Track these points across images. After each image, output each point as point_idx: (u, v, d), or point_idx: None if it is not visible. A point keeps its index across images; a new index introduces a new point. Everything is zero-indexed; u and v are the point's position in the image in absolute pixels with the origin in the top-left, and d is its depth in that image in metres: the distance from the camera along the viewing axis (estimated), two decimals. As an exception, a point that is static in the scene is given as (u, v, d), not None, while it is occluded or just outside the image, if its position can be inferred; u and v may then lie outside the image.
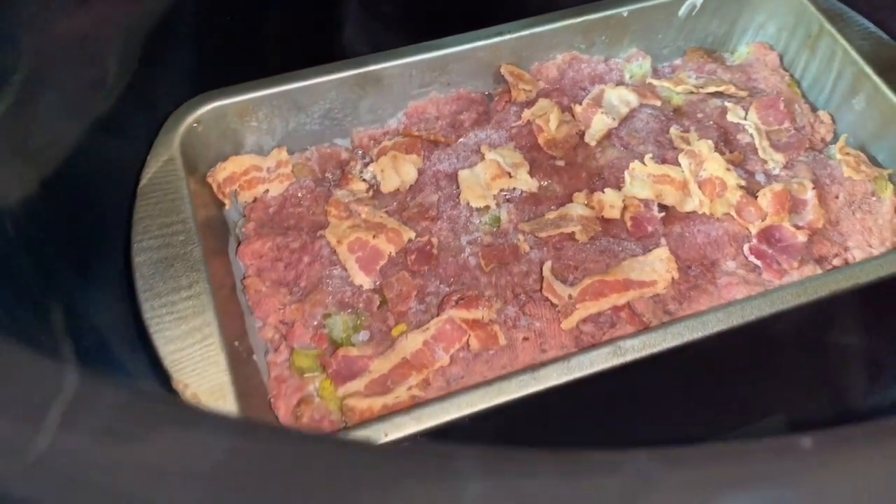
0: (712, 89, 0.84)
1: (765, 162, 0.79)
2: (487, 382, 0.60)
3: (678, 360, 0.63)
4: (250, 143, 0.79)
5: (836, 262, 0.74)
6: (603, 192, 0.75)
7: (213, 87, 0.76)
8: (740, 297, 0.67)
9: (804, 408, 0.69)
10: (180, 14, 0.76)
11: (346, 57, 0.80)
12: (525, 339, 0.67)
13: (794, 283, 0.67)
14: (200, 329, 0.61)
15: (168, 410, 0.26)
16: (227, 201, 0.76)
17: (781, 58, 0.90)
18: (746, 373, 0.69)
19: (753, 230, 0.73)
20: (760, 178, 0.78)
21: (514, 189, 0.77)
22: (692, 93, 0.85)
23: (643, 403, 0.67)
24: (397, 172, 0.78)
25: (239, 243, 0.75)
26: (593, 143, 0.80)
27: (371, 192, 0.78)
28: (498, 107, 0.84)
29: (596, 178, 0.78)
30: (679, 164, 0.76)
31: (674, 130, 0.80)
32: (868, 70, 0.80)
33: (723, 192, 0.74)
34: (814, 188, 0.75)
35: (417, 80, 0.82)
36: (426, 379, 0.65)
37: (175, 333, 0.60)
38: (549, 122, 0.80)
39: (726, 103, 0.83)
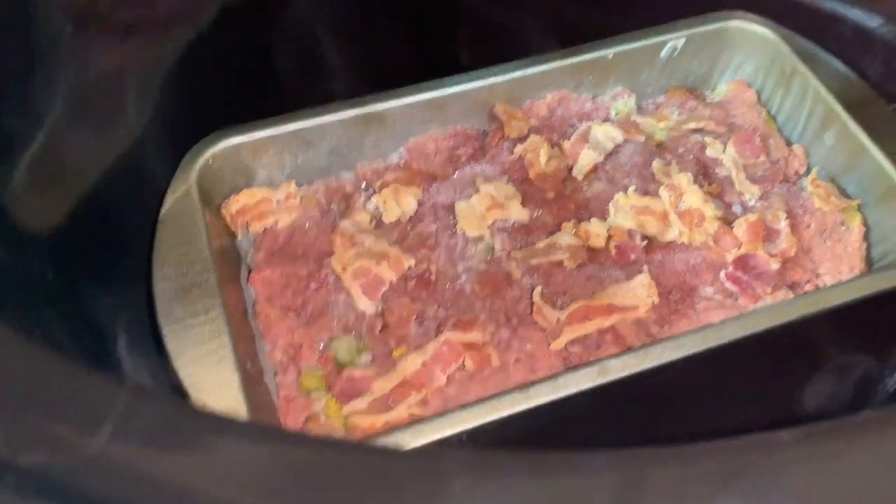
0: (693, 125, 0.90)
1: (741, 194, 0.84)
2: (481, 401, 0.64)
3: (658, 379, 0.67)
4: (261, 177, 0.85)
5: (808, 287, 0.79)
6: (589, 222, 0.80)
7: (228, 125, 0.82)
8: (717, 320, 0.72)
9: (775, 422, 0.73)
10: (196, 57, 0.82)
11: (352, 96, 0.86)
12: (517, 360, 0.72)
13: (766, 307, 0.72)
14: (216, 352, 0.66)
15: (212, 421, 0.31)
16: (239, 232, 0.82)
17: (759, 94, 0.96)
18: (722, 391, 0.74)
19: (730, 258, 0.78)
20: (737, 208, 0.83)
21: (507, 220, 0.82)
22: (674, 129, 0.90)
23: (627, 419, 0.72)
24: (398, 204, 0.83)
25: (250, 271, 0.80)
26: (580, 177, 0.85)
27: (374, 223, 0.83)
28: (492, 143, 0.89)
29: (583, 210, 0.83)
30: (660, 197, 0.81)
31: (656, 164, 0.85)
32: (837, 108, 0.86)
33: (701, 223, 0.79)
34: (787, 218, 0.80)
35: (417, 118, 0.88)
36: (425, 398, 0.69)
37: (192, 355, 0.65)
38: (540, 157, 0.85)
39: (706, 139, 0.89)
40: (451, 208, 0.83)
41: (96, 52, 0.73)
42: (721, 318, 0.72)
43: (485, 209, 0.81)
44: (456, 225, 0.81)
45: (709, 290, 0.77)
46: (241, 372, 0.65)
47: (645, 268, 0.77)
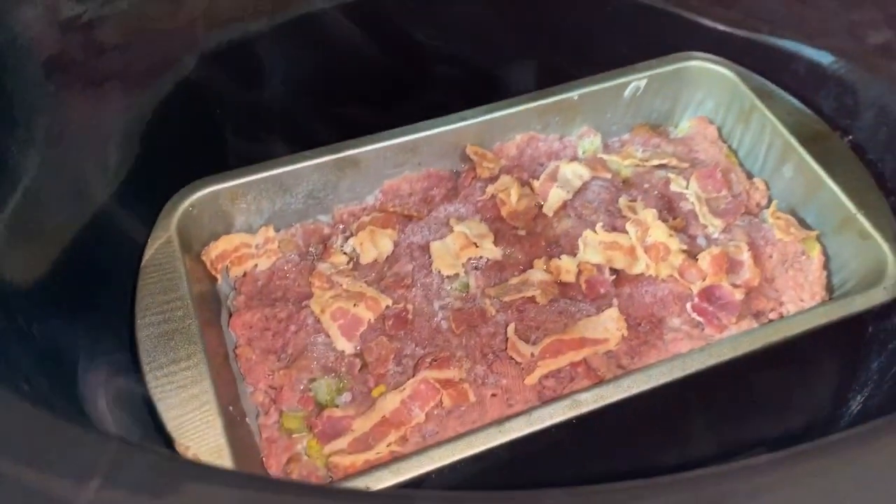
0: (657, 162, 0.93)
1: (705, 227, 0.87)
2: (459, 436, 0.66)
3: (630, 409, 0.70)
4: (240, 223, 0.87)
5: (772, 315, 0.82)
6: (560, 258, 0.83)
7: (207, 174, 0.84)
8: (685, 351, 0.75)
9: (746, 447, 0.76)
10: (174, 107, 0.85)
11: (327, 142, 0.88)
12: (493, 395, 0.74)
13: (730, 337, 0.75)
14: (198, 396, 0.67)
15: (193, 469, 0.33)
16: (219, 276, 0.84)
17: (720, 130, 1.00)
18: (693, 418, 0.76)
19: (695, 290, 0.81)
20: (701, 241, 0.86)
21: (481, 257, 0.84)
22: (639, 165, 0.94)
23: (601, 449, 0.74)
24: (375, 245, 0.86)
25: (230, 315, 0.81)
26: (550, 214, 0.88)
27: (351, 264, 0.86)
28: (465, 183, 0.92)
29: (553, 246, 0.86)
30: (627, 232, 0.84)
31: (622, 200, 0.88)
32: (794, 142, 0.89)
33: (667, 256, 0.82)
34: (749, 250, 0.84)
35: (392, 161, 0.90)
36: (404, 435, 0.71)
37: (176, 401, 0.67)
38: (511, 195, 0.88)
39: (669, 174, 0.92)
40: (426, 248, 0.85)
41: (74, 105, 0.75)
42: (689, 349, 0.75)
43: (459, 248, 0.84)
44: (431, 264, 0.83)
45: (676, 322, 0.79)
46: (223, 415, 0.67)
47: (614, 301, 0.80)
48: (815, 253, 0.85)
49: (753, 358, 0.73)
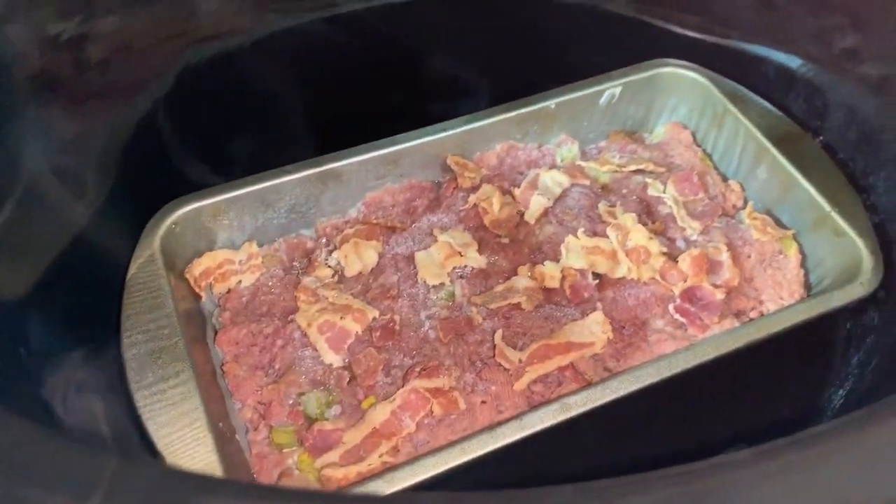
0: (634, 167, 0.95)
1: (683, 229, 0.89)
2: (450, 445, 0.66)
3: (618, 411, 0.70)
4: (223, 240, 0.87)
5: (752, 314, 0.83)
6: (543, 264, 0.84)
7: (189, 191, 0.84)
8: (669, 351, 0.76)
9: (732, 442, 0.77)
10: (157, 124, 0.85)
11: (309, 156, 0.89)
12: (483, 402, 0.74)
13: (713, 337, 0.76)
14: (188, 414, 0.67)
15: (196, 482, 0.33)
16: (202, 294, 0.83)
17: (694, 135, 1.02)
18: (679, 417, 0.77)
19: (677, 291, 0.82)
20: (680, 244, 0.88)
21: (466, 266, 0.85)
22: (617, 171, 0.95)
23: (591, 451, 0.75)
24: (359, 257, 0.86)
25: (216, 332, 0.81)
26: (532, 222, 0.89)
27: (336, 277, 0.86)
28: (447, 193, 0.93)
29: (537, 253, 0.87)
30: (608, 236, 0.86)
31: (602, 206, 0.90)
32: (767, 144, 0.91)
33: (647, 259, 0.83)
34: (728, 250, 0.85)
35: (373, 174, 0.91)
36: (395, 446, 0.71)
37: (165, 419, 0.66)
38: (493, 204, 0.89)
39: (647, 179, 0.94)
40: (410, 258, 0.85)
41: (57, 123, 0.75)
42: (673, 349, 0.76)
43: (443, 258, 0.84)
44: (416, 274, 0.84)
45: (659, 323, 0.80)
46: (213, 432, 0.66)
47: (598, 305, 0.81)
48: (792, 251, 0.87)
49: (737, 356, 0.74)
